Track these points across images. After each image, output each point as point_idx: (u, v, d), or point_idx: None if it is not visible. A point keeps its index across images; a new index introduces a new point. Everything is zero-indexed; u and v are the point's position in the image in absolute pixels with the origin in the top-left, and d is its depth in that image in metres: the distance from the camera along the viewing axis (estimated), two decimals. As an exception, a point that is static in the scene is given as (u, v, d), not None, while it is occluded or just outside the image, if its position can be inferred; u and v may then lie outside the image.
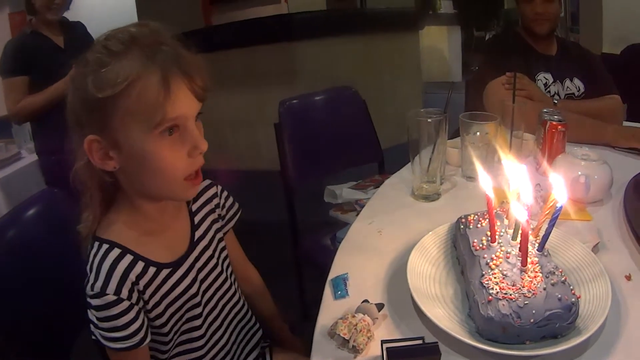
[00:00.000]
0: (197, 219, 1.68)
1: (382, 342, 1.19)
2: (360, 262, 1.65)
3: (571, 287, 1.26)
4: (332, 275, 1.57)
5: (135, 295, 1.43)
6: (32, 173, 4.41)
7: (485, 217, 1.51)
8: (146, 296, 1.47)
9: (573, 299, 1.22)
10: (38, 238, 1.72)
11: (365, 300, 1.39)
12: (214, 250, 1.71)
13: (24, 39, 3.67)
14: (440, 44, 11.61)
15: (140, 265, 1.45)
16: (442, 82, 9.57)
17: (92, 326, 1.43)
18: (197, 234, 1.66)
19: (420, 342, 1.18)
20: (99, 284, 1.37)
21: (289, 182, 3.01)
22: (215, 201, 1.76)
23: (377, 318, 1.35)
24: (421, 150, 2.00)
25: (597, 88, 3.12)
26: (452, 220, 1.66)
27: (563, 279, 1.28)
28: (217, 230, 1.76)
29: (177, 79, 1.32)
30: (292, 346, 2.02)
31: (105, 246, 1.43)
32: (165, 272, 1.52)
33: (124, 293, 1.40)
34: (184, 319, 1.61)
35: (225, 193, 1.81)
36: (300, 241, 3.09)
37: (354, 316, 1.31)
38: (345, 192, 2.94)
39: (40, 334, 1.64)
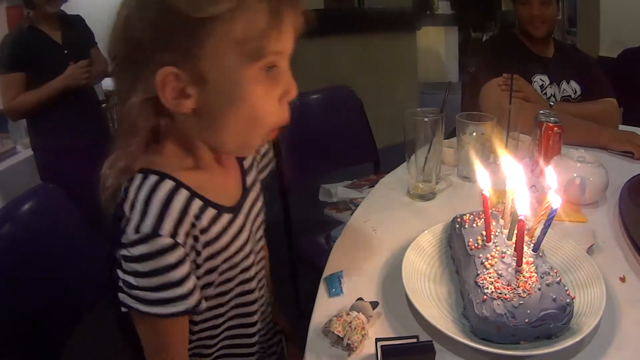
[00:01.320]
0: (246, 164, 1.48)
1: (377, 340, 1.19)
2: (355, 260, 1.66)
3: (566, 288, 1.27)
4: (326, 273, 1.57)
5: (190, 243, 1.18)
6: (27, 168, 4.39)
7: (481, 216, 1.51)
8: (200, 246, 1.21)
9: (568, 300, 1.23)
10: (32, 234, 1.70)
11: (360, 298, 1.40)
12: (260, 201, 1.54)
13: (21, 35, 3.64)
14: (437, 45, 11.64)
15: (197, 205, 1.20)
16: (439, 82, 9.57)
17: (126, 292, 1.14)
18: (249, 179, 1.47)
19: (414, 340, 1.18)
20: (149, 222, 1.09)
21: (284, 181, 3.00)
22: (268, 155, 1.63)
23: (371, 316, 1.35)
24: (417, 150, 2.01)
25: (594, 91, 3.12)
26: (448, 219, 1.66)
27: (558, 279, 1.28)
28: (259, 181, 1.56)
29: (289, 11, 1.12)
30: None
31: (153, 177, 1.16)
32: (226, 217, 1.30)
33: (181, 237, 1.14)
34: (237, 275, 1.40)
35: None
36: (295, 240, 3.09)
37: (348, 314, 1.31)
38: (340, 191, 2.95)
39: (31, 332, 1.62)
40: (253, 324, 1.51)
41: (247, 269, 1.42)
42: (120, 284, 1.14)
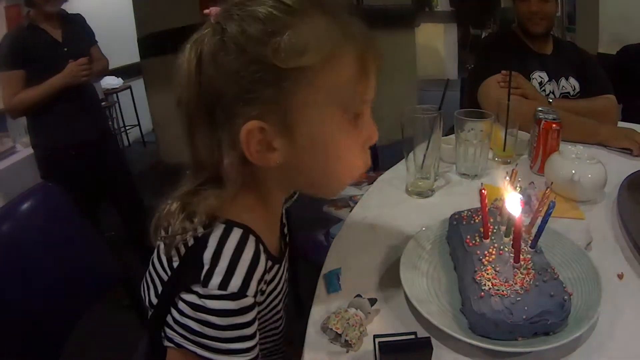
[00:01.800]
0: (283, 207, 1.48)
1: (375, 336, 1.20)
2: (353, 257, 1.66)
3: (563, 284, 1.28)
4: (325, 270, 1.57)
5: (257, 297, 1.15)
6: (26, 167, 4.41)
7: (479, 213, 1.51)
8: (259, 296, 1.19)
9: (565, 296, 1.23)
10: (32, 232, 1.70)
11: (358, 295, 1.40)
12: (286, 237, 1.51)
13: (21, 33, 3.61)
14: (436, 42, 11.62)
15: (263, 258, 1.16)
16: (438, 79, 9.56)
17: (186, 335, 1.09)
18: (282, 222, 1.47)
19: (412, 337, 1.18)
20: (238, 282, 1.07)
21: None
22: None
23: (369, 313, 1.35)
24: (415, 147, 2.01)
25: (593, 88, 3.13)
26: (446, 216, 1.66)
27: (555, 276, 1.29)
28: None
29: (371, 56, 1.10)
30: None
31: (238, 231, 1.12)
32: (276, 268, 1.32)
33: (257, 296, 1.14)
34: (274, 315, 1.42)
35: None
36: (294, 237, 3.08)
37: (346, 311, 1.31)
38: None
39: (31, 331, 1.62)
40: (279, 334, 1.55)
41: (279, 308, 1.45)
42: (172, 322, 1.10)
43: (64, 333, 1.72)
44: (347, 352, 1.26)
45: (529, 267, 1.29)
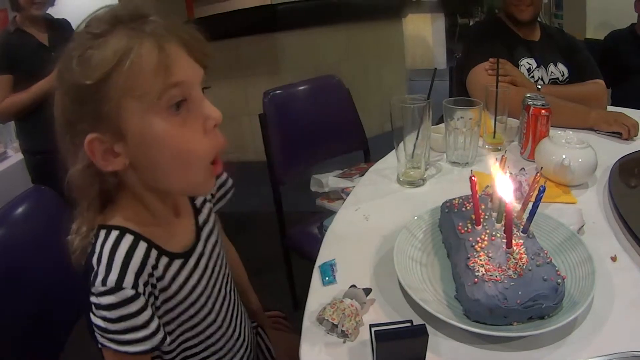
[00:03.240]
0: (198, 202, 1.53)
1: (371, 326, 1.20)
2: (347, 248, 1.66)
3: (556, 268, 1.28)
4: (319, 262, 1.58)
5: (148, 290, 1.24)
6: (18, 172, 4.39)
7: (470, 200, 1.51)
8: (156, 291, 1.29)
9: (559, 280, 1.24)
10: (27, 237, 1.69)
11: (353, 286, 1.40)
12: (216, 235, 1.56)
13: (8, 37, 3.59)
14: (424, 32, 11.63)
15: (153, 255, 1.27)
16: (427, 69, 9.57)
17: (99, 332, 1.21)
18: (201, 218, 1.51)
19: (408, 325, 1.19)
20: (113, 277, 1.17)
21: (275, 173, 3.02)
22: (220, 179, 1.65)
23: (365, 303, 1.36)
24: (405, 137, 2.01)
25: (582, 73, 3.14)
26: (437, 204, 1.67)
27: (548, 260, 1.29)
28: (213, 211, 1.60)
29: (173, 43, 1.16)
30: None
31: (115, 232, 1.23)
32: (177, 263, 1.35)
33: (140, 287, 1.20)
34: (198, 314, 1.46)
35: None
36: (288, 231, 3.09)
37: (341, 301, 1.31)
38: (331, 180, 2.95)
39: (29, 334, 1.61)
40: (213, 342, 1.57)
41: (208, 311, 1.50)
42: (94, 325, 1.21)
43: (62, 336, 1.71)
44: (344, 342, 1.27)
45: (522, 252, 1.29)
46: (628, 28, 4.63)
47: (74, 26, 3.86)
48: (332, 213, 2.08)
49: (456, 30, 11.53)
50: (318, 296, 1.43)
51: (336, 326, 1.27)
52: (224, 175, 1.67)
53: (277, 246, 3.18)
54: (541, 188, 1.34)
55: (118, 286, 1.17)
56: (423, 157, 2.06)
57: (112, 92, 1.10)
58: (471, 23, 11.30)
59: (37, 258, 1.66)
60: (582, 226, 1.68)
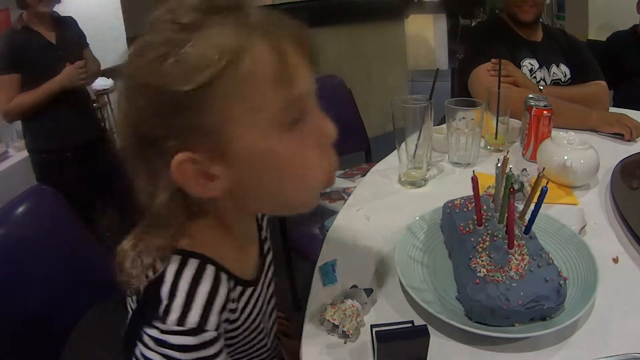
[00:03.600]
0: (263, 234, 1.39)
1: (372, 326, 1.20)
2: (348, 248, 1.66)
3: (559, 269, 1.28)
4: (320, 262, 1.57)
5: (222, 325, 1.09)
6: (20, 172, 4.39)
7: (472, 201, 1.51)
8: (228, 322, 1.16)
9: (561, 281, 1.24)
10: (29, 236, 1.68)
11: (354, 286, 1.40)
12: (271, 267, 1.39)
13: (15, 35, 3.54)
14: (426, 32, 11.63)
15: (231, 284, 1.13)
16: (429, 70, 9.57)
17: None
18: (265, 246, 1.38)
19: (409, 325, 1.19)
20: (194, 318, 0.99)
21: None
22: None
23: (366, 303, 1.36)
24: (407, 137, 2.01)
25: (583, 74, 3.14)
26: (439, 205, 1.67)
27: (550, 261, 1.29)
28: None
29: (290, 46, 0.97)
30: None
31: (194, 262, 1.05)
32: (249, 291, 1.22)
33: (221, 328, 1.06)
34: (254, 339, 1.31)
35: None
36: (289, 231, 3.09)
37: (343, 302, 1.31)
38: (332, 181, 2.95)
39: (29, 333, 1.61)
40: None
41: (264, 336, 1.35)
42: (139, 354, 1.02)
43: (63, 335, 1.71)
44: (345, 343, 1.26)
45: (524, 252, 1.29)
46: (630, 29, 4.63)
47: (80, 24, 3.87)
48: (333, 213, 2.08)
49: (458, 31, 11.51)
50: (319, 297, 1.42)
51: (337, 327, 1.27)
52: None
53: (277, 246, 3.17)
54: (543, 189, 1.33)
55: (200, 328, 1.00)
56: (425, 158, 2.06)
57: (217, 102, 0.90)
58: (473, 24, 11.29)
59: (38, 258, 1.66)
60: (584, 227, 1.68)
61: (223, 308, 1.05)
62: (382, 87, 7.06)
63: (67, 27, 3.82)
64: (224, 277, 1.08)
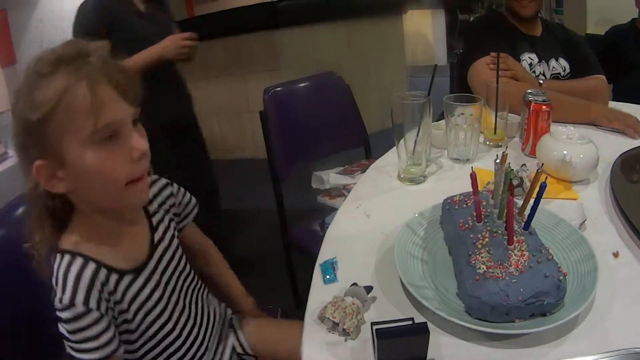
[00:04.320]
0: (155, 220, 1.69)
1: (372, 324, 1.20)
2: (348, 246, 1.66)
3: (558, 265, 1.28)
4: (320, 260, 1.58)
5: (103, 305, 1.43)
6: (18, 172, 4.37)
7: (471, 197, 1.51)
8: (111, 304, 1.47)
9: (560, 277, 1.24)
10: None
11: (354, 284, 1.40)
12: (174, 251, 1.73)
13: (109, 1, 3.19)
14: (424, 28, 11.64)
15: (103, 273, 1.45)
16: (427, 65, 9.56)
17: (64, 340, 1.42)
18: (157, 236, 1.67)
19: (410, 322, 1.19)
20: (67, 295, 1.37)
21: (276, 170, 3.03)
22: (171, 201, 1.79)
23: (366, 301, 1.36)
24: (406, 134, 2.01)
25: (583, 68, 3.14)
26: (439, 201, 1.67)
27: (550, 256, 1.29)
28: (176, 229, 1.79)
29: (105, 86, 1.33)
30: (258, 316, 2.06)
31: (67, 257, 1.42)
32: (128, 278, 1.53)
33: (92, 303, 1.40)
34: (154, 324, 1.62)
35: (181, 191, 1.85)
36: (290, 228, 3.10)
37: (343, 300, 1.31)
38: (332, 177, 2.95)
39: (27, 337, 1.65)
40: (178, 347, 1.72)
41: (161, 312, 1.64)
42: (61, 334, 1.41)
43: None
44: (346, 340, 1.27)
45: (523, 248, 1.29)
46: (629, 23, 4.63)
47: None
48: (333, 210, 2.09)
49: (456, 26, 11.52)
50: (319, 294, 1.43)
51: (337, 325, 1.27)
52: (188, 195, 1.89)
53: (278, 244, 3.18)
54: (542, 185, 1.34)
55: (71, 303, 1.37)
56: (424, 154, 2.07)
57: (53, 128, 1.29)
58: (471, 19, 11.28)
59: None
60: (584, 222, 1.68)
61: (90, 289, 1.40)
62: (380, 83, 7.07)
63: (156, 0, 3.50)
64: (91, 265, 1.43)
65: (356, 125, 3.34)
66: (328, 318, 1.28)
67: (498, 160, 1.48)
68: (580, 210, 1.72)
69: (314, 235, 2.83)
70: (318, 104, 3.26)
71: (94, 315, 1.39)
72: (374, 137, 3.36)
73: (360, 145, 3.40)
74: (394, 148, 2.13)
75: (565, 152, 1.95)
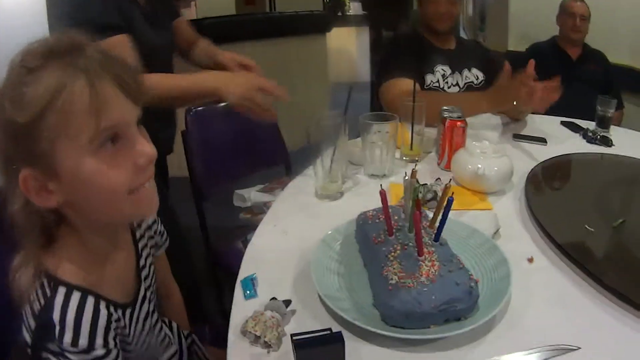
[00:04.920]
0: (140, 245, 1.59)
1: (292, 335, 1.23)
2: (267, 262, 1.69)
3: (470, 273, 1.35)
4: (241, 276, 1.60)
5: (117, 340, 1.33)
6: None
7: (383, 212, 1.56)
8: (121, 336, 1.38)
9: (472, 284, 1.31)
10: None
11: (274, 298, 1.43)
12: (152, 279, 1.63)
13: None
14: (348, 45, 11.71)
15: (112, 310, 1.33)
16: (350, 82, 9.65)
17: None
18: (141, 262, 1.57)
19: (327, 332, 1.22)
20: (84, 341, 1.22)
21: (199, 188, 3.03)
22: (155, 227, 1.70)
23: (285, 314, 1.39)
24: (323, 152, 2.06)
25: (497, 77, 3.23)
26: (355, 217, 1.72)
27: (461, 265, 1.36)
28: (152, 257, 1.68)
29: (107, 82, 1.16)
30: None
31: (77, 294, 1.25)
32: (129, 311, 1.45)
33: (111, 343, 1.28)
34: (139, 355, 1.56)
35: (158, 218, 1.71)
36: (214, 247, 3.10)
37: (262, 314, 1.34)
38: (253, 195, 2.97)
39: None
40: None
41: (158, 334, 1.66)
42: None
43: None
44: (269, 352, 1.30)
45: (434, 259, 1.35)
46: (550, 40, 4.78)
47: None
48: (256, 227, 2.11)
49: (380, 44, 11.59)
50: (241, 310, 1.45)
51: (259, 337, 1.30)
52: (161, 225, 1.74)
53: (203, 261, 3.18)
54: (449, 199, 1.40)
55: (90, 349, 1.22)
56: (340, 171, 2.11)
57: (46, 131, 1.11)
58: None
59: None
60: (497, 230, 1.76)
61: (107, 329, 1.27)
62: (304, 101, 7.09)
63: None
64: (103, 305, 1.29)
65: (276, 143, 3.36)
66: (250, 332, 1.30)
67: (407, 177, 1.55)
68: (494, 219, 1.79)
69: (237, 252, 2.84)
70: (240, 122, 3.24)
71: (113, 353, 1.28)
72: (299, 154, 3.38)
73: (281, 162, 3.42)
74: (312, 166, 2.17)
75: (479, 165, 2.03)
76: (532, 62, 2.48)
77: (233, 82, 2.32)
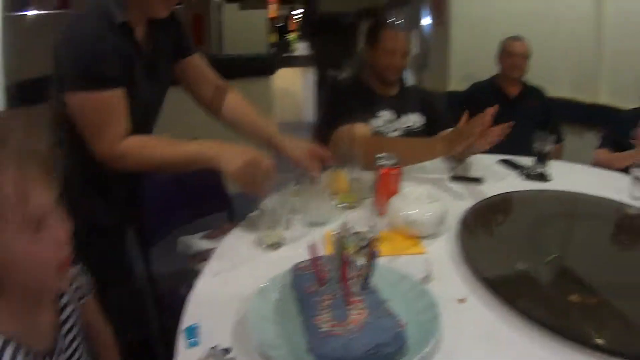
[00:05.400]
0: (63, 301, 1.57)
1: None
2: (209, 310, 1.73)
3: (397, 318, 1.43)
4: (184, 325, 1.65)
5: None
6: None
7: (317, 263, 1.65)
8: None
9: (399, 329, 1.39)
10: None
11: (214, 346, 1.49)
12: (76, 330, 1.60)
13: (112, 34, 2.10)
14: (293, 86, 11.77)
15: (22, 354, 1.30)
16: (296, 122, 9.75)
17: None
18: (62, 316, 1.56)
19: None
20: None
21: (143, 237, 3.04)
22: (79, 280, 1.69)
23: (225, 362, 1.45)
24: (264, 200, 2.13)
25: (437, 124, 3.39)
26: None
27: (388, 312, 1.45)
28: (77, 308, 1.65)
29: (32, 170, 1.21)
30: None
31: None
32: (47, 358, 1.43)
33: None
34: None
35: (83, 269, 1.71)
36: (160, 295, 3.11)
37: (203, 362, 1.40)
38: (197, 243, 2.99)
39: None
40: None
41: None
42: None
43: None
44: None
45: (362, 307, 1.44)
46: (489, 80, 4.88)
47: None
48: (198, 274, 2.15)
49: (326, 83, 11.65)
50: (183, 358, 1.51)
51: (201, 385, 1.35)
52: (80, 278, 1.71)
53: (150, 309, 3.18)
54: (374, 253, 1.50)
55: None
56: (281, 220, 2.16)
57: None
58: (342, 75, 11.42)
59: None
60: (430, 274, 1.83)
61: None
62: (247, 144, 7.12)
63: (164, 27, 2.48)
64: (21, 353, 1.29)
65: (218, 190, 3.40)
66: (191, 380, 1.36)
67: (334, 232, 1.64)
68: (426, 263, 1.88)
69: (182, 299, 2.85)
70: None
71: None
72: (238, 200, 3.39)
73: (223, 209, 3.45)
74: (254, 213, 2.24)
75: (412, 211, 2.11)
76: (488, 111, 2.60)
77: (229, 152, 2.22)
